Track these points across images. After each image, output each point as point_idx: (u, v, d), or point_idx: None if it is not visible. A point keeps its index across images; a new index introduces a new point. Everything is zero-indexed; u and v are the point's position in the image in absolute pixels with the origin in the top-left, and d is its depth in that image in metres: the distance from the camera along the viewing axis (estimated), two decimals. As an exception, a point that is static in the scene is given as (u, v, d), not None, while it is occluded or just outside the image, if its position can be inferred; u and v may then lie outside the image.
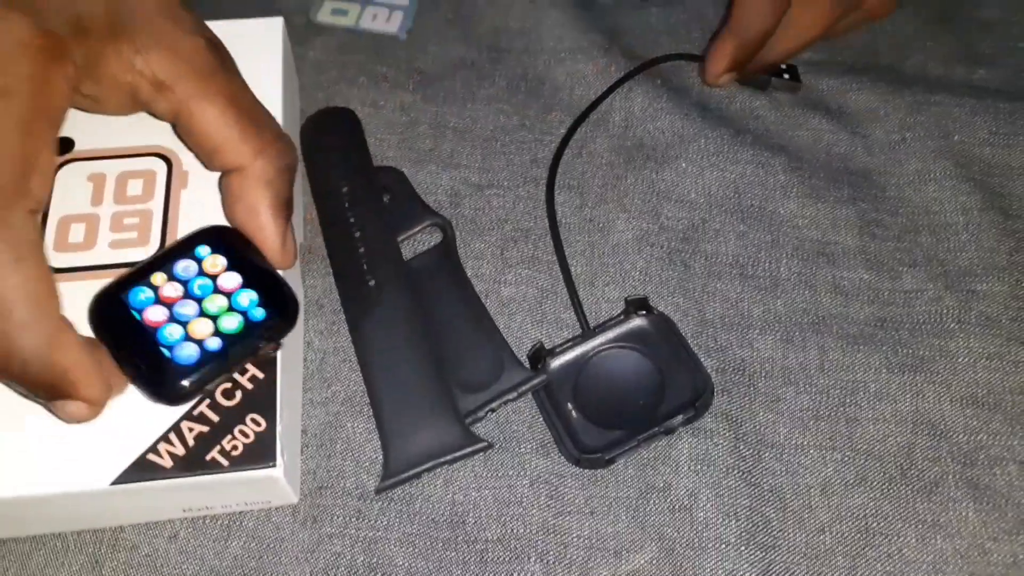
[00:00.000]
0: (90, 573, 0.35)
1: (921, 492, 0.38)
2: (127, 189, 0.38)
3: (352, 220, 0.43)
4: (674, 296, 0.43)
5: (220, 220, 0.36)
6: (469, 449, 0.37)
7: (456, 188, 0.46)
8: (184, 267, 0.34)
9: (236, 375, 0.34)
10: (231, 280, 0.34)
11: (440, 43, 0.52)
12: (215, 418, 0.34)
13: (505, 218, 0.45)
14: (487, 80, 0.50)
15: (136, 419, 0.33)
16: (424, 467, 0.37)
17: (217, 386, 0.34)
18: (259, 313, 0.33)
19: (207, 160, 0.35)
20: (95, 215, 0.37)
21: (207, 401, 0.34)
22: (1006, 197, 0.46)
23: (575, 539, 0.37)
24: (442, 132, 0.48)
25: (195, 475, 0.33)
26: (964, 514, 0.37)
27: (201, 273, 0.34)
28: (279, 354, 0.35)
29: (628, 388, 0.40)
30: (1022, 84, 0.50)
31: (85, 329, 0.32)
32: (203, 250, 0.34)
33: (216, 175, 0.37)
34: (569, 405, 0.39)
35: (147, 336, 0.32)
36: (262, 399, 0.34)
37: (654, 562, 0.36)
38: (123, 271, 0.34)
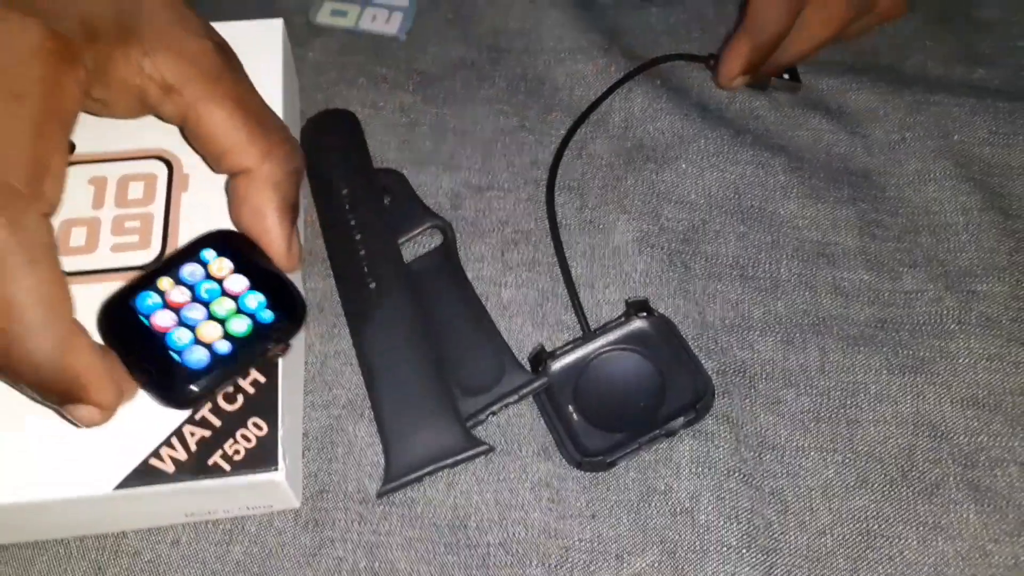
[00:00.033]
0: (92, 578, 0.36)
1: (922, 494, 0.38)
2: (128, 192, 0.38)
3: (352, 222, 0.43)
4: (674, 298, 0.43)
5: (221, 222, 0.36)
6: (470, 452, 0.37)
7: (456, 190, 0.46)
8: (190, 271, 0.34)
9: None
10: (238, 283, 0.34)
11: (440, 44, 0.52)
12: (217, 422, 0.34)
13: (505, 220, 0.45)
14: (487, 81, 0.50)
15: (138, 424, 0.33)
16: (425, 470, 0.37)
17: (225, 389, 0.34)
18: (267, 315, 0.33)
19: (215, 163, 0.35)
20: (96, 219, 0.37)
21: (209, 405, 0.34)
22: (1006, 197, 0.46)
23: (577, 542, 0.37)
24: (442, 133, 0.48)
25: (197, 480, 0.33)
26: (965, 516, 0.37)
27: (208, 277, 0.34)
28: (280, 358, 0.35)
29: (629, 390, 0.40)
30: (1022, 84, 0.50)
31: (94, 335, 0.32)
32: (208, 254, 0.34)
33: (217, 178, 0.37)
34: (570, 408, 0.39)
35: (156, 341, 0.32)
36: (264, 403, 0.34)
37: (656, 565, 0.36)
38: (130, 277, 0.34)
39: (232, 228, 0.36)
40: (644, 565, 0.36)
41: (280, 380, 0.35)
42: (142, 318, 0.33)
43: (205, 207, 0.37)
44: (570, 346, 0.41)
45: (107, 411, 0.31)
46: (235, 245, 0.35)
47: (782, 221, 0.45)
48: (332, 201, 0.44)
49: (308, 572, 0.36)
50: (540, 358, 0.40)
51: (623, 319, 0.41)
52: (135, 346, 0.32)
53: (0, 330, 0.28)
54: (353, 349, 0.40)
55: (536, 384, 0.39)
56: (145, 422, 0.33)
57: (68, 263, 0.36)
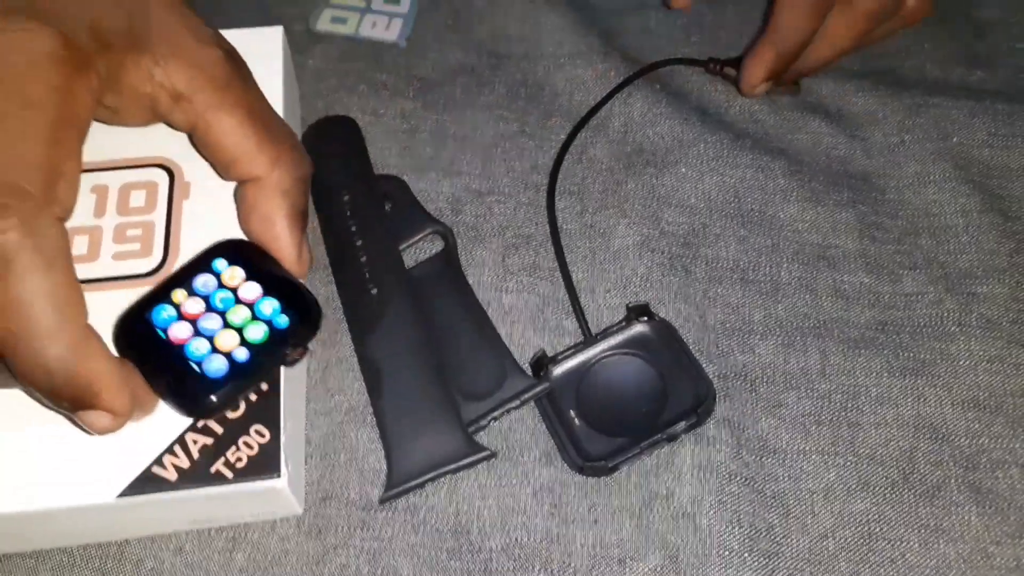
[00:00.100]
0: (96, 586, 0.36)
1: (923, 496, 0.38)
2: (130, 200, 0.38)
3: (354, 229, 0.43)
4: (675, 302, 0.43)
5: (223, 230, 0.36)
6: (473, 458, 0.37)
7: (457, 195, 0.46)
8: (203, 282, 0.34)
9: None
10: (251, 291, 0.34)
11: (440, 50, 0.52)
12: (219, 430, 0.34)
13: (506, 225, 0.45)
14: (487, 86, 0.50)
15: (141, 432, 0.33)
16: (428, 476, 0.37)
17: (246, 396, 0.34)
18: (283, 320, 0.34)
19: (224, 171, 0.35)
20: (98, 227, 0.37)
21: (211, 412, 0.34)
22: (1005, 199, 0.46)
23: (579, 548, 0.37)
24: (442, 139, 0.48)
25: (200, 487, 0.33)
26: (967, 518, 0.37)
27: (221, 286, 0.34)
28: (298, 363, 0.35)
29: (630, 395, 0.40)
30: (1021, 86, 0.50)
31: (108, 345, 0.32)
32: (220, 263, 0.34)
33: (219, 186, 0.37)
34: (572, 412, 0.39)
35: (174, 353, 0.32)
36: (266, 410, 0.34)
37: (658, 570, 0.36)
38: (131, 285, 0.34)
39: (240, 237, 0.36)
40: (646, 570, 0.36)
41: (282, 387, 0.35)
42: (159, 331, 0.33)
43: (207, 215, 0.37)
44: (571, 351, 0.41)
45: (120, 418, 0.30)
46: (245, 253, 0.35)
47: (782, 224, 0.45)
48: (333, 207, 0.44)
49: (311, 579, 0.36)
50: (541, 363, 0.40)
51: (624, 323, 0.41)
52: (154, 359, 0.32)
53: (13, 333, 0.28)
54: (355, 355, 0.41)
55: (538, 389, 0.39)
56: (147, 430, 0.33)
57: (70, 272, 0.36)
